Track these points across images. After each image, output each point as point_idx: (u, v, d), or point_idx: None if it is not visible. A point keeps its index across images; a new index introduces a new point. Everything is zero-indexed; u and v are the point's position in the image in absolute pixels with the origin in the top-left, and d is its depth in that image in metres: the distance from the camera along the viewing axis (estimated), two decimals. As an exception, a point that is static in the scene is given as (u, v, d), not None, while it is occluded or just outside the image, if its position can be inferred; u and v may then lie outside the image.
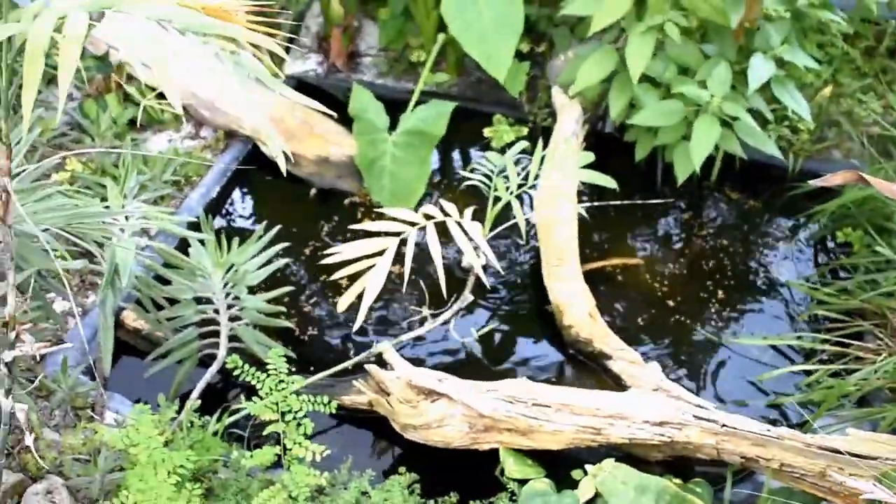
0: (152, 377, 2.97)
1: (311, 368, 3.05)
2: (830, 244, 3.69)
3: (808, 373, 3.07)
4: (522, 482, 2.61)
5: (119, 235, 2.54)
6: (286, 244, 3.12)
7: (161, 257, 2.95)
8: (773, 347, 3.26)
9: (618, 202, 3.49)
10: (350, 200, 3.85)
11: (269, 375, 2.46)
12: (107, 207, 2.69)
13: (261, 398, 2.43)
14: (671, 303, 3.46)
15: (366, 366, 2.76)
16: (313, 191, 3.88)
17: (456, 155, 4.18)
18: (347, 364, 2.88)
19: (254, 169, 3.83)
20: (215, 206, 3.71)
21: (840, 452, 2.31)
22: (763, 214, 3.87)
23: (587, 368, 3.16)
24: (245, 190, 3.88)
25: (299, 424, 2.43)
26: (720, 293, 3.50)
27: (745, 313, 3.45)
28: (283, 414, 2.43)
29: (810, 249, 3.70)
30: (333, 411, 2.51)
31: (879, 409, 2.80)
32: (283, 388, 2.45)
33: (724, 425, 2.55)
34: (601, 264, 3.54)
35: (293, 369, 2.92)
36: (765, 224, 3.83)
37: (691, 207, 3.88)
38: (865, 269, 3.29)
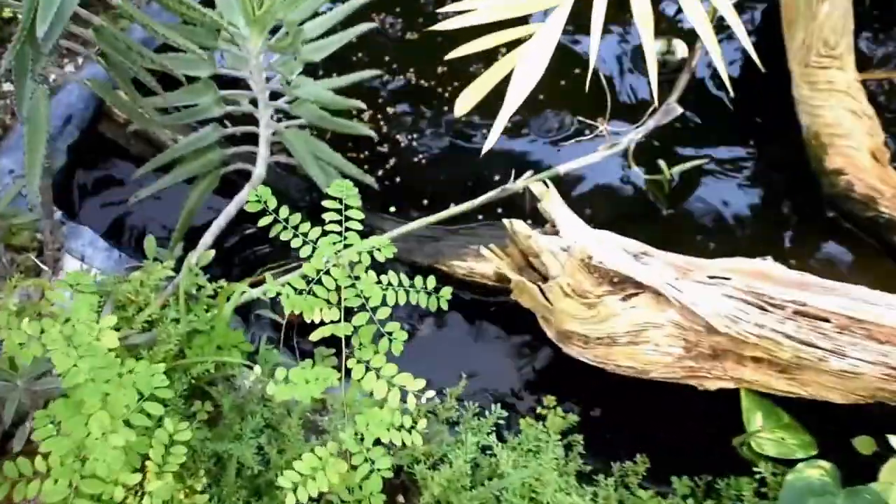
0: (147, 204, 1.84)
1: (397, 208, 1.87)
2: None
3: None
4: (779, 461, 1.43)
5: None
6: (371, -1, 1.86)
7: (164, 6, 1.68)
8: None
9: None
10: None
11: (324, 233, 1.26)
12: None
13: (304, 280, 1.23)
14: None
15: (505, 221, 1.53)
16: None
17: None
18: (465, 207, 1.66)
19: None
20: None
21: None
22: None
23: (863, 247, 1.89)
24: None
25: (381, 335, 1.24)
26: None
27: None
28: (347, 312, 1.24)
29: None
30: (444, 307, 1.31)
31: None
32: (350, 258, 1.25)
33: None
34: (881, 75, 2.18)
35: (370, 211, 1.77)
36: None
37: None
38: None
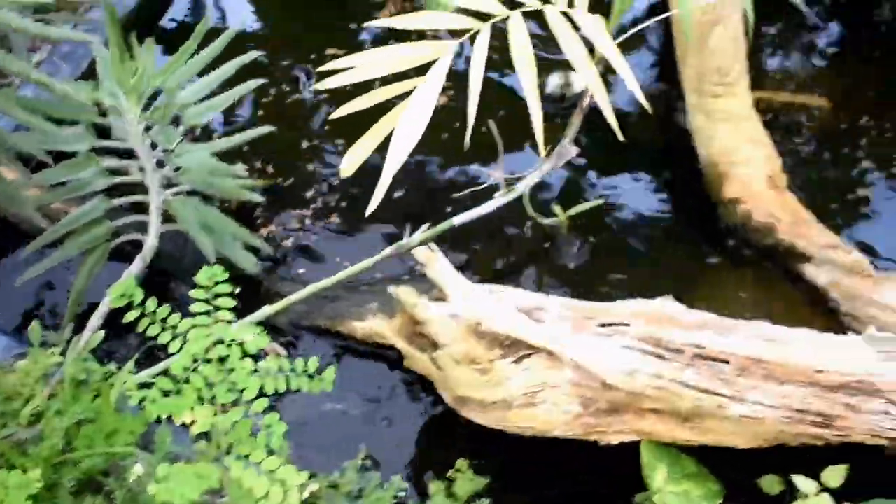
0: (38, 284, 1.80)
1: (301, 271, 1.85)
2: None
3: None
4: (686, 515, 1.41)
5: None
6: (258, 53, 1.82)
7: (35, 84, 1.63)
8: None
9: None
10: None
11: (193, 325, 1.21)
12: None
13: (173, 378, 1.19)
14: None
15: (391, 289, 1.49)
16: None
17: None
18: (362, 266, 1.63)
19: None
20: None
21: None
22: None
23: (766, 276, 1.88)
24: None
25: (258, 429, 1.20)
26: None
27: None
28: (223, 406, 1.20)
29: None
30: (329, 389, 1.27)
31: None
32: (219, 350, 1.21)
33: None
34: (766, 95, 2.19)
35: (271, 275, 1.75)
36: None
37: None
38: None
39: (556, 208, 1.87)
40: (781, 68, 2.31)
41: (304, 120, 2.16)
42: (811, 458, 1.48)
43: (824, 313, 1.79)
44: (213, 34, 1.76)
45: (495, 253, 1.91)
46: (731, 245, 1.93)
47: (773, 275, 1.89)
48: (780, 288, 1.86)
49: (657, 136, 2.14)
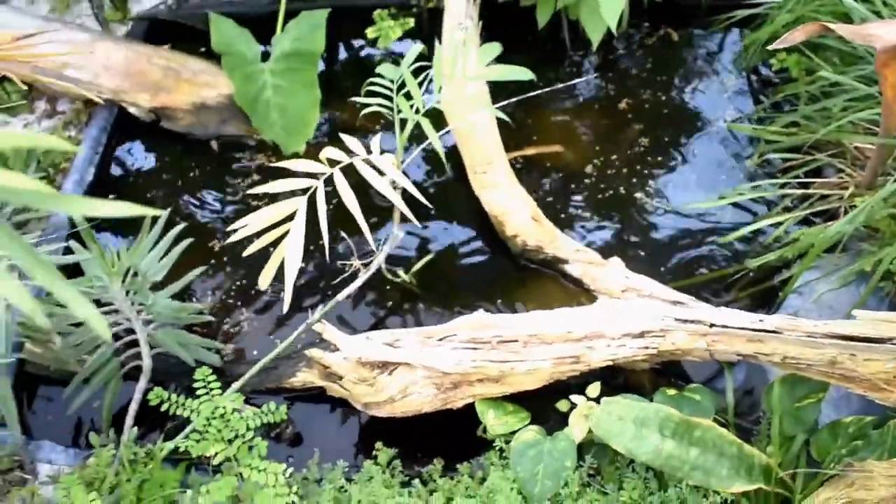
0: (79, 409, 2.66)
1: (255, 353, 2.76)
2: (764, 71, 3.41)
3: (775, 225, 2.83)
4: (508, 435, 2.38)
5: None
6: (183, 225, 2.74)
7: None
8: (734, 204, 3.01)
9: (537, 92, 3.08)
10: (250, 155, 3.40)
11: (202, 402, 2.15)
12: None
13: (199, 432, 2.12)
14: (607, 176, 3.18)
15: (307, 352, 2.45)
16: (214, 143, 3.44)
17: (345, 64, 3.75)
18: (265, 362, 2.55)
19: (130, 135, 3.42)
20: (96, 191, 3.27)
21: (850, 339, 2.09)
22: (686, 53, 3.56)
23: (545, 277, 2.88)
24: (127, 163, 3.43)
25: (251, 447, 2.14)
26: (659, 155, 3.22)
27: (690, 170, 3.18)
28: (229, 441, 2.13)
29: (745, 84, 3.42)
30: (284, 418, 2.22)
31: (858, 253, 2.58)
32: (219, 410, 2.15)
33: (712, 325, 2.30)
34: (516, 154, 3.22)
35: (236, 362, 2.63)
36: (691, 64, 3.53)
37: (607, 65, 3.55)
38: (810, 96, 3.01)
39: (400, 271, 2.84)
40: (540, 126, 3.34)
41: (227, 257, 3.08)
42: (583, 386, 2.47)
43: (585, 292, 2.79)
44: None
45: (374, 308, 2.87)
46: (522, 263, 2.93)
47: (553, 276, 2.89)
48: (559, 283, 2.86)
49: (471, 202, 3.12)
